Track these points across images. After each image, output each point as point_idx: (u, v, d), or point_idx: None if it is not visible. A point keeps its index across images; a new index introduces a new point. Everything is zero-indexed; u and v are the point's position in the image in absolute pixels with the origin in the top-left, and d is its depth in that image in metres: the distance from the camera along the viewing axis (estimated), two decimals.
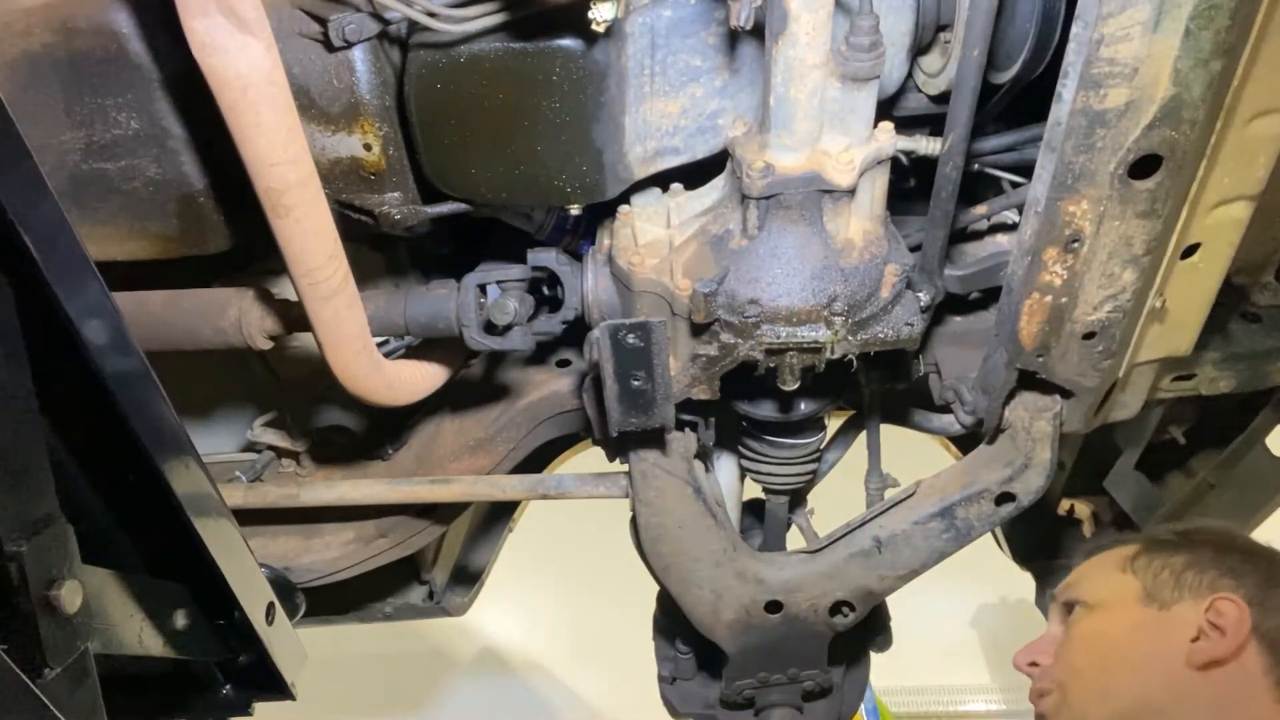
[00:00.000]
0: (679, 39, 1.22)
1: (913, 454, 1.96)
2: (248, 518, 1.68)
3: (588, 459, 1.77)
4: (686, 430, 1.52)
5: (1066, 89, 1.03)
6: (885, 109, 1.30)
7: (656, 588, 1.67)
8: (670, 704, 1.91)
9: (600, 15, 1.08)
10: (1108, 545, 1.36)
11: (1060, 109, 1.05)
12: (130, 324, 0.97)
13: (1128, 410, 1.47)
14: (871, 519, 1.54)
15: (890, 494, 1.61)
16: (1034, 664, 1.32)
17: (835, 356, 1.29)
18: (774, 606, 1.58)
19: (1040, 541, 2.32)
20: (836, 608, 1.59)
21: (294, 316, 1.34)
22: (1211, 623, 1.15)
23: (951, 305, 1.52)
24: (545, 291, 1.44)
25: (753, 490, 1.79)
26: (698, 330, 1.30)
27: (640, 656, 1.95)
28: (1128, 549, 1.30)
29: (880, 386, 1.60)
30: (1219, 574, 1.20)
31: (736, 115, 1.28)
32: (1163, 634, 1.18)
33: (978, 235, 1.48)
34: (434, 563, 2.18)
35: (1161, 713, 1.14)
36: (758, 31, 1.14)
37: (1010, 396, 1.38)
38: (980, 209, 1.39)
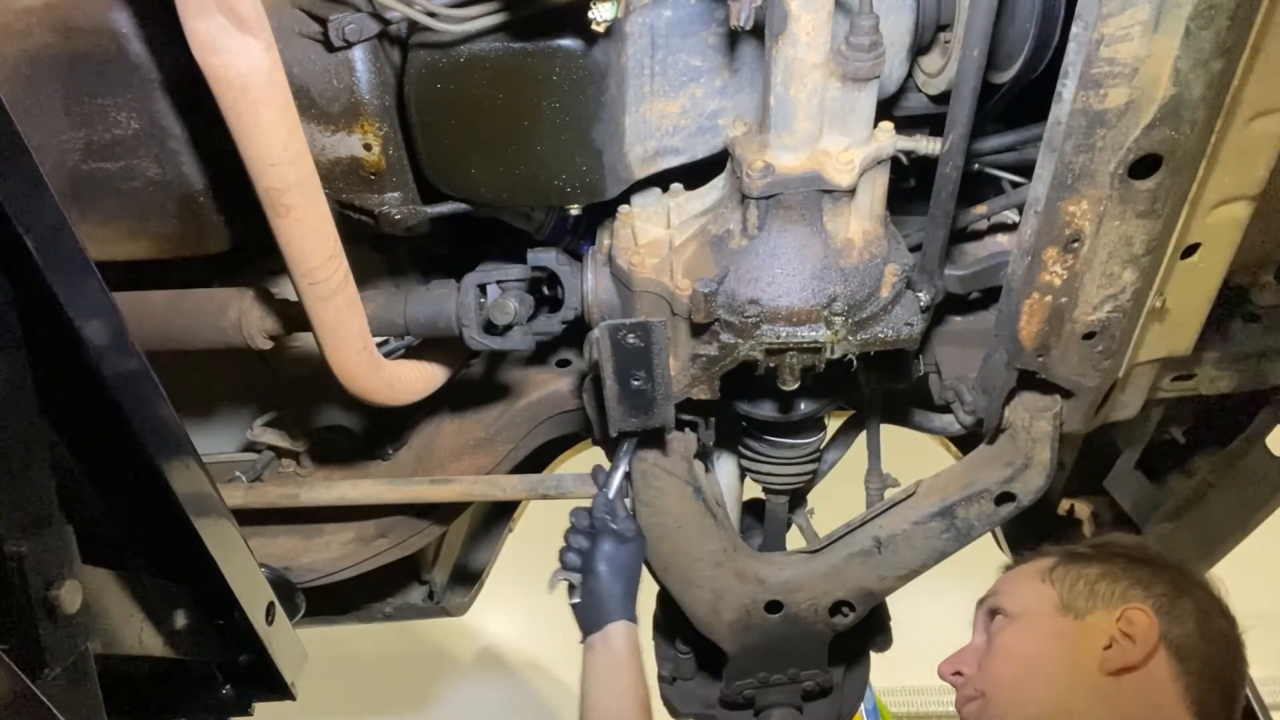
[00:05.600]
0: (679, 39, 1.22)
1: (913, 454, 1.96)
2: (248, 518, 1.68)
3: (588, 459, 1.77)
4: (686, 430, 1.51)
5: (1066, 89, 1.03)
6: (885, 109, 1.30)
7: (656, 587, 1.67)
8: (670, 704, 1.91)
9: (600, 15, 1.08)
10: (1029, 557, 1.42)
11: (1060, 109, 1.05)
12: (130, 324, 0.97)
13: (1128, 410, 1.47)
14: (871, 519, 1.54)
15: (890, 494, 1.61)
16: (958, 673, 1.38)
17: (835, 356, 1.29)
18: (774, 606, 1.58)
19: (1040, 542, 2.32)
20: (836, 608, 1.59)
21: (294, 316, 1.34)
22: (1123, 631, 1.21)
23: (951, 305, 1.52)
24: (545, 291, 1.44)
25: (753, 490, 1.79)
26: (698, 330, 1.30)
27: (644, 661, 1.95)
28: (1046, 560, 1.36)
29: (880, 386, 1.60)
30: (1130, 584, 1.26)
31: (736, 115, 1.28)
32: (1077, 642, 1.24)
33: (978, 235, 1.48)
34: (434, 563, 2.18)
35: (1076, 716, 1.20)
36: (758, 31, 1.14)
37: (1010, 396, 1.38)
38: (980, 209, 1.39)
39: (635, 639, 1.45)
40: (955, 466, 1.56)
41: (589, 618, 1.45)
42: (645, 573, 1.58)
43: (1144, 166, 1.07)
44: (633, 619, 1.45)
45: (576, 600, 1.47)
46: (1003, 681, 1.28)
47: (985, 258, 1.41)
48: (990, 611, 1.38)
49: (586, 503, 1.55)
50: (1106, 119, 1.03)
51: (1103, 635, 1.22)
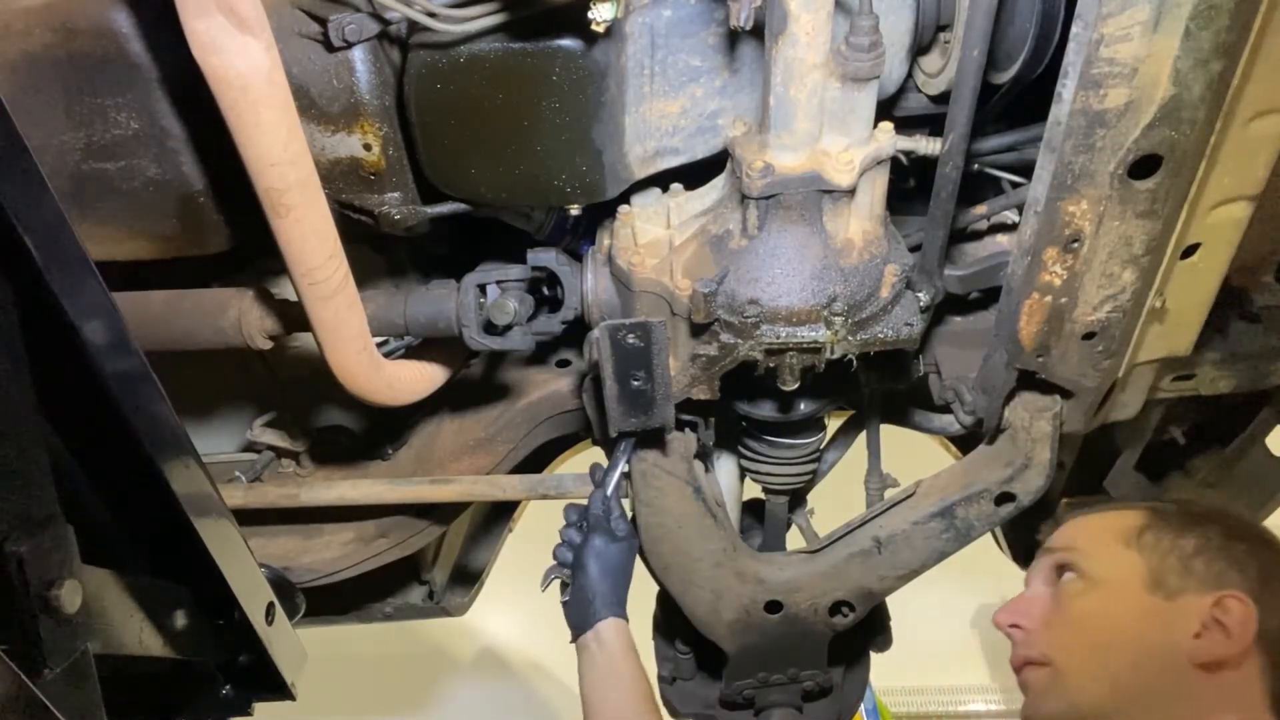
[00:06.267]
0: (679, 39, 1.22)
1: (913, 454, 1.96)
2: (248, 518, 1.68)
3: (588, 459, 1.77)
4: (686, 430, 1.51)
5: (1066, 89, 1.03)
6: (885, 109, 1.30)
7: (656, 588, 1.67)
8: (670, 704, 1.91)
9: (600, 15, 1.08)
10: (1106, 507, 1.27)
11: (1060, 109, 1.05)
12: (130, 324, 0.97)
13: (1128, 410, 1.47)
14: (871, 519, 1.54)
15: (890, 494, 1.61)
16: (1017, 625, 1.24)
17: (835, 356, 1.29)
18: (774, 606, 1.58)
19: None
20: (836, 608, 1.59)
21: (294, 316, 1.34)
22: (1216, 619, 1.08)
23: (951, 305, 1.52)
24: (545, 291, 1.44)
25: (753, 490, 1.79)
26: (698, 330, 1.30)
27: (640, 656, 1.95)
28: (1132, 519, 1.20)
29: (880, 386, 1.60)
30: (1226, 565, 1.12)
31: (736, 115, 1.28)
32: (1168, 625, 1.10)
33: (978, 235, 1.48)
34: (434, 563, 2.18)
35: (1156, 707, 1.09)
36: (758, 31, 1.14)
37: (1010, 396, 1.38)
38: (980, 209, 1.39)
39: (628, 634, 1.43)
40: (955, 466, 1.56)
41: (577, 615, 1.44)
42: (645, 573, 1.59)
43: (1144, 166, 1.07)
44: (623, 616, 1.44)
45: (567, 598, 1.47)
46: (1077, 655, 1.15)
47: (985, 258, 1.41)
48: (1059, 565, 1.23)
49: (584, 502, 1.55)
50: (1106, 119, 1.03)
51: (1193, 621, 1.08)
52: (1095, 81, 1.00)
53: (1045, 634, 1.19)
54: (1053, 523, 1.33)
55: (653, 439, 1.46)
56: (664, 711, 1.89)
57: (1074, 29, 1.00)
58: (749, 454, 1.64)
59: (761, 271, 1.26)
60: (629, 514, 1.55)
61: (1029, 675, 1.20)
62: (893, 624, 1.91)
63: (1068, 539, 1.25)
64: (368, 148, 1.23)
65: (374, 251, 1.59)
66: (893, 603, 1.80)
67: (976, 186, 1.43)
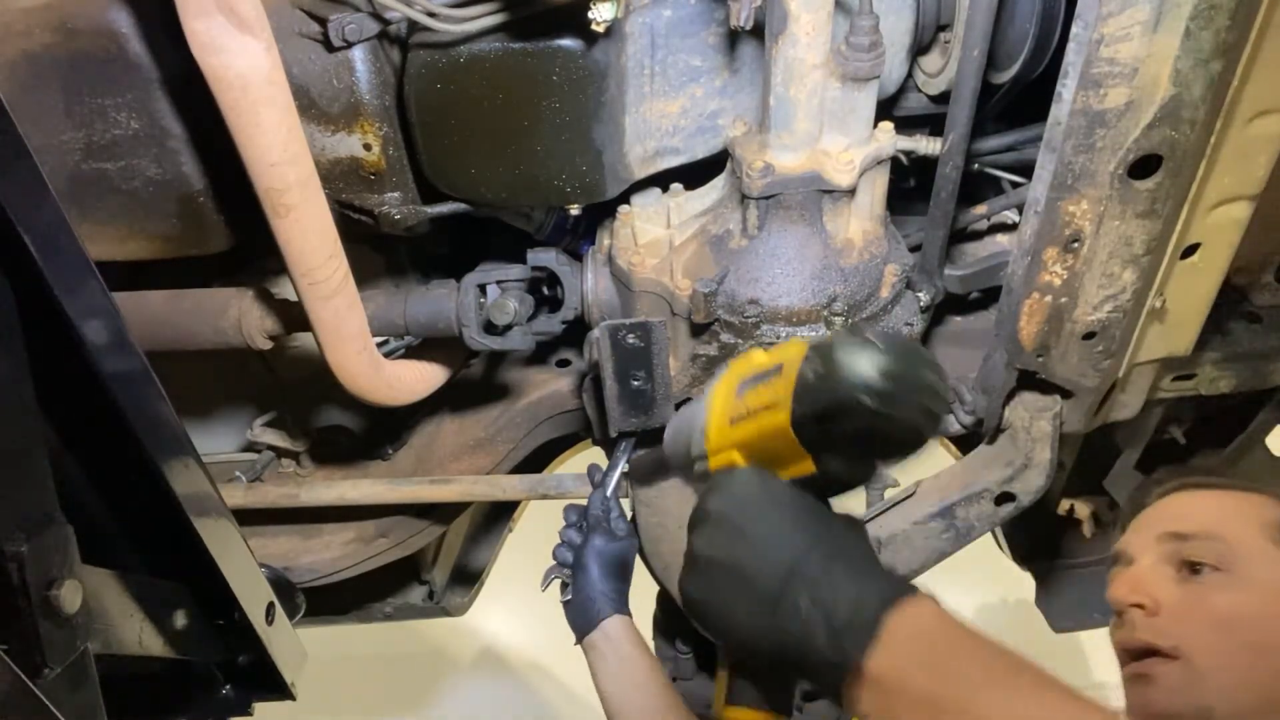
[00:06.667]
0: (679, 39, 1.22)
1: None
2: (248, 518, 1.68)
3: (587, 459, 1.77)
4: None
5: (1066, 89, 1.03)
6: (885, 109, 1.30)
7: (656, 588, 1.67)
8: None
9: (600, 15, 1.08)
10: (1229, 485, 1.17)
11: (1060, 109, 1.05)
12: (130, 324, 0.97)
13: (1128, 410, 1.47)
14: (871, 519, 1.54)
15: (890, 494, 1.61)
16: (1139, 605, 1.10)
17: None
18: None
19: (1040, 541, 2.32)
20: None
21: (294, 316, 1.34)
22: None
23: (951, 305, 1.52)
24: (545, 291, 1.44)
25: None
26: (698, 330, 1.30)
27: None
28: (1270, 509, 1.11)
29: None
30: None
31: (736, 115, 1.28)
32: None
33: (978, 235, 1.48)
34: (434, 563, 2.18)
35: None
36: (758, 31, 1.14)
37: (1010, 396, 1.38)
38: (980, 209, 1.39)
39: (635, 629, 1.43)
40: (955, 466, 1.56)
41: (580, 615, 1.43)
42: (645, 573, 1.59)
43: (1144, 166, 1.07)
44: (626, 614, 1.44)
45: (568, 598, 1.46)
46: (1220, 656, 1.05)
47: (985, 258, 1.41)
48: (1193, 552, 1.11)
49: (584, 502, 1.55)
50: (1106, 119, 1.03)
51: None
52: (1095, 81, 1.01)
53: (1178, 625, 1.07)
54: (1146, 486, 1.21)
55: (653, 439, 1.46)
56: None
57: (1074, 29, 1.00)
58: None
59: (761, 271, 1.26)
60: (629, 514, 1.55)
61: (1155, 667, 1.07)
62: None
63: (1203, 524, 1.13)
64: (368, 148, 1.23)
65: (374, 251, 1.59)
66: None
67: (976, 186, 1.43)
